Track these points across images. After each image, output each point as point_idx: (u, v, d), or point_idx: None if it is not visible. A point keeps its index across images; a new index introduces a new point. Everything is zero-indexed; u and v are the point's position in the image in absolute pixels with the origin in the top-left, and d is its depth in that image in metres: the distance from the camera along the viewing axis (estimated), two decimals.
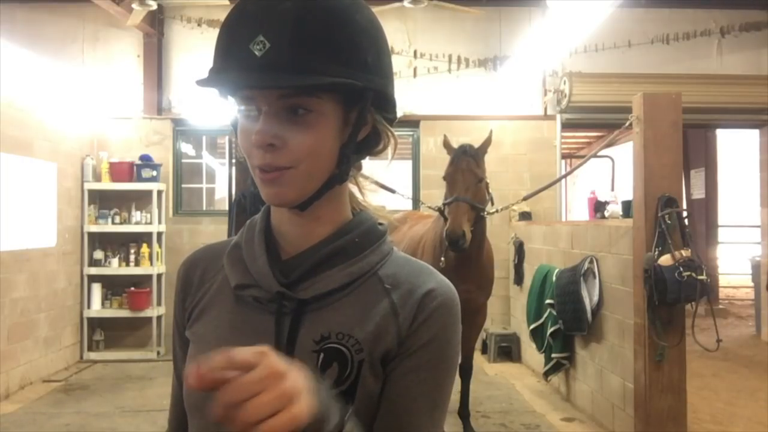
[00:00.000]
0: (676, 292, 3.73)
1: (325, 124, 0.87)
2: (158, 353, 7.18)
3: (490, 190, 4.40)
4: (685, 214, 4.03)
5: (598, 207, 6.84)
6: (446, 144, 4.43)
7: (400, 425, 0.89)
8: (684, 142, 6.49)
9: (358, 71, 0.86)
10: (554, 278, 5.38)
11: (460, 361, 4.60)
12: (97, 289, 7.17)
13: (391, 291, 0.91)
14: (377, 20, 0.92)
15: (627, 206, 5.56)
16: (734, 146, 12.77)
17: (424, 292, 0.91)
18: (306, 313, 0.90)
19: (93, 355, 7.12)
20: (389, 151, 1.01)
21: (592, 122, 8.31)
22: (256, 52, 0.82)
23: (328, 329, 0.89)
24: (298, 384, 0.68)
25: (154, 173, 7.29)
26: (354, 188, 1.01)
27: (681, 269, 3.72)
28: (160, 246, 7.27)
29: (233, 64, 0.86)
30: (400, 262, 0.96)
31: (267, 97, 0.85)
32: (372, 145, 0.96)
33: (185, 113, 7.65)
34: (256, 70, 0.83)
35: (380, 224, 0.99)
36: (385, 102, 0.93)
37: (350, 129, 0.90)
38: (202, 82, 0.88)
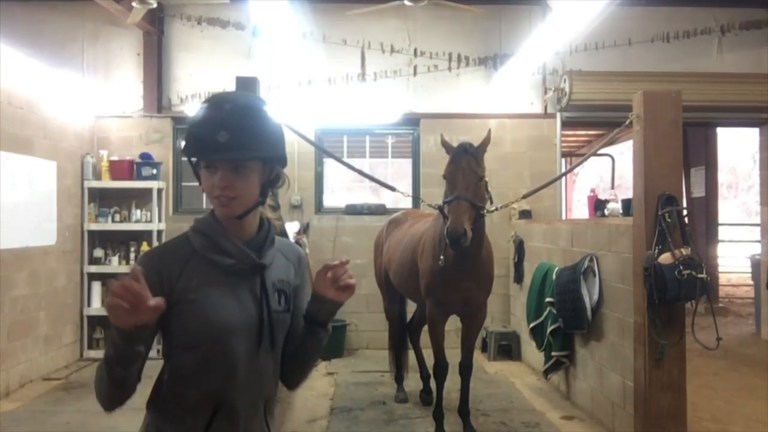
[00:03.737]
0: (675, 290, 3.73)
1: (255, 175, 1.60)
2: (158, 351, 7.15)
3: (490, 189, 4.40)
4: (685, 212, 4.03)
5: (599, 205, 6.84)
6: (444, 143, 4.43)
7: (299, 323, 1.72)
8: (684, 141, 6.49)
9: (273, 147, 1.61)
10: (554, 276, 5.38)
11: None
12: (97, 288, 7.17)
13: (285, 254, 1.77)
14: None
15: (627, 204, 5.57)
16: (735, 144, 12.76)
17: (296, 253, 1.82)
18: (266, 272, 1.66)
19: (93, 354, 7.12)
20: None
21: (593, 120, 8.30)
22: (222, 138, 1.51)
23: (276, 279, 1.69)
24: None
25: (154, 171, 7.29)
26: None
27: (681, 268, 3.72)
28: (160, 244, 7.26)
29: (208, 146, 1.53)
30: (276, 240, 1.74)
31: (224, 162, 1.55)
32: (275, 184, 1.68)
33: (185, 111, 7.65)
34: (224, 148, 1.52)
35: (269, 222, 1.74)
36: (284, 161, 1.67)
37: (267, 176, 1.64)
38: (188, 153, 1.58)
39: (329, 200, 8.17)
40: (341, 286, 1.62)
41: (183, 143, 1.60)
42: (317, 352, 1.73)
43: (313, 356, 1.74)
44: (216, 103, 1.57)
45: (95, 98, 7.56)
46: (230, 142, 1.50)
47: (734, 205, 24.39)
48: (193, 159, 1.59)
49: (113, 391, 1.53)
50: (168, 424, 1.62)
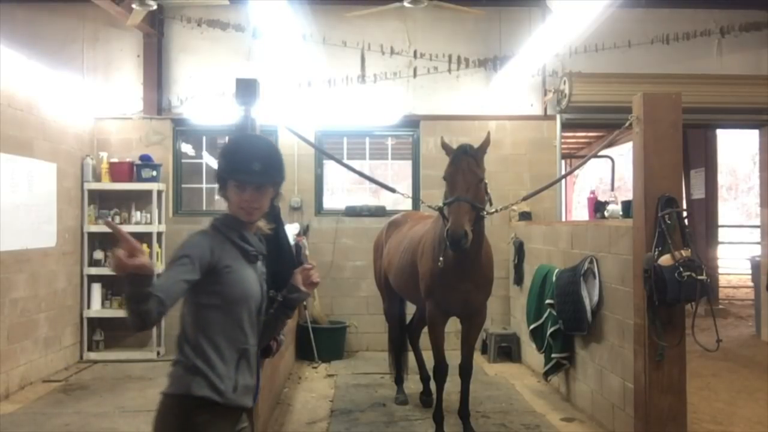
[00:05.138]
0: (675, 292, 3.72)
1: (269, 192, 2.28)
2: (158, 353, 7.18)
3: (489, 190, 4.39)
4: (685, 214, 4.03)
5: (598, 207, 6.83)
6: (444, 145, 4.43)
7: None
8: (684, 142, 6.49)
9: (283, 174, 2.33)
10: (554, 278, 5.37)
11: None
12: (97, 289, 7.16)
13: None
14: None
15: (627, 206, 5.57)
16: (734, 146, 12.77)
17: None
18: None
19: (93, 355, 7.12)
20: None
21: (592, 122, 8.31)
22: (256, 168, 2.21)
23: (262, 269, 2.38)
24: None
25: (154, 173, 7.29)
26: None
27: (681, 269, 3.71)
28: (160, 246, 7.27)
29: (246, 172, 2.21)
30: None
31: (254, 184, 2.21)
32: (276, 198, 2.35)
33: (185, 113, 7.65)
34: (257, 175, 2.21)
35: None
36: (283, 182, 2.36)
37: (274, 194, 2.33)
38: (227, 175, 2.25)
39: (329, 202, 8.17)
40: (311, 282, 2.40)
41: (218, 165, 2.29)
42: (282, 326, 2.47)
43: (280, 328, 2.47)
44: (250, 142, 2.44)
45: (95, 100, 7.56)
46: (261, 171, 2.21)
47: (734, 206, 24.40)
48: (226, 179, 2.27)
49: (134, 319, 1.89)
50: (205, 370, 2.11)
